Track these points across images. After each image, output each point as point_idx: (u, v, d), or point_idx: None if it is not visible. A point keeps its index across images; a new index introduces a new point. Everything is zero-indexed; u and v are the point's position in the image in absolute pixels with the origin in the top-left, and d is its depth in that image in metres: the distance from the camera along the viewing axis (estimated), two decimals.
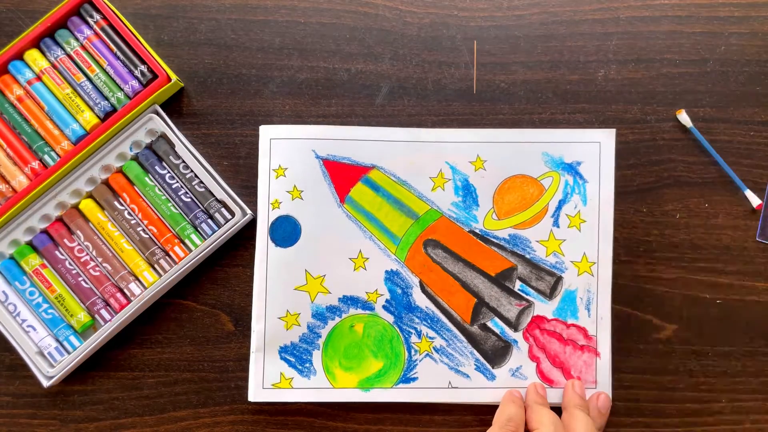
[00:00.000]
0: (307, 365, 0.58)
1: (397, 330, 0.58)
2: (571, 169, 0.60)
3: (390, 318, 0.58)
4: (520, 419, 0.55)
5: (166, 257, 0.58)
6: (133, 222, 0.58)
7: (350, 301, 0.58)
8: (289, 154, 0.59)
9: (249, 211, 0.58)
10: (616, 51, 0.61)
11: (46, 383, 0.56)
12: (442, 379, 0.58)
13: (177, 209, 0.58)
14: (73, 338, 0.57)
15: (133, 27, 0.59)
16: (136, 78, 0.58)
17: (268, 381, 0.57)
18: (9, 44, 0.58)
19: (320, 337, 0.58)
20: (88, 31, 0.59)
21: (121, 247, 0.58)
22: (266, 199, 0.59)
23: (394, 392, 0.57)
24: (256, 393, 0.57)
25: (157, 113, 0.59)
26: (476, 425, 0.58)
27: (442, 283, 0.58)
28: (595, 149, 0.60)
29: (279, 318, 0.58)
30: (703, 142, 0.60)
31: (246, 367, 0.58)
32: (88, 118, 0.58)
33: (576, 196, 0.59)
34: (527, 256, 0.59)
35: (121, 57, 0.59)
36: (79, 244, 0.58)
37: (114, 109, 0.58)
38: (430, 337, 0.58)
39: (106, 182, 0.59)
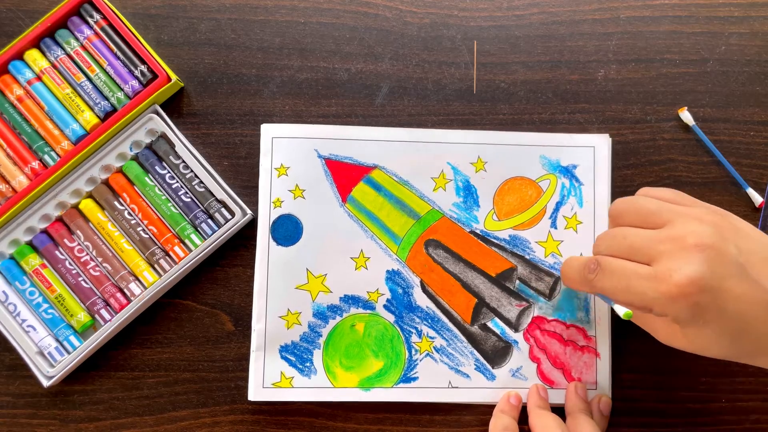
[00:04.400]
0: (308, 364, 0.57)
1: (398, 329, 0.58)
2: (567, 172, 0.60)
3: (391, 317, 0.58)
4: (515, 428, 0.55)
5: (166, 257, 0.58)
6: (133, 222, 0.58)
7: (351, 300, 0.58)
8: (291, 153, 0.59)
9: (249, 211, 0.58)
10: (616, 51, 0.61)
11: (46, 383, 0.56)
12: (442, 378, 0.58)
13: (177, 209, 0.58)
14: (73, 338, 0.57)
15: (133, 27, 0.59)
16: (136, 78, 0.58)
17: (268, 380, 0.57)
18: (9, 44, 0.58)
19: (321, 336, 0.58)
20: (88, 31, 0.59)
21: (121, 247, 0.58)
22: (268, 198, 0.59)
23: (394, 392, 0.57)
24: (257, 392, 0.57)
25: (157, 113, 0.59)
26: (476, 425, 0.58)
27: (442, 283, 0.58)
28: (590, 153, 0.60)
29: (280, 317, 0.58)
30: (705, 139, 0.60)
31: (246, 367, 0.58)
32: (88, 118, 0.58)
33: (572, 198, 0.60)
34: (527, 256, 0.59)
35: (121, 57, 0.59)
36: (79, 244, 0.58)
37: (114, 109, 0.58)
38: (431, 337, 0.58)
39: (106, 182, 0.59)
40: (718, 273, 0.43)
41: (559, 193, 0.60)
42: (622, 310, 0.47)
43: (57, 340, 0.57)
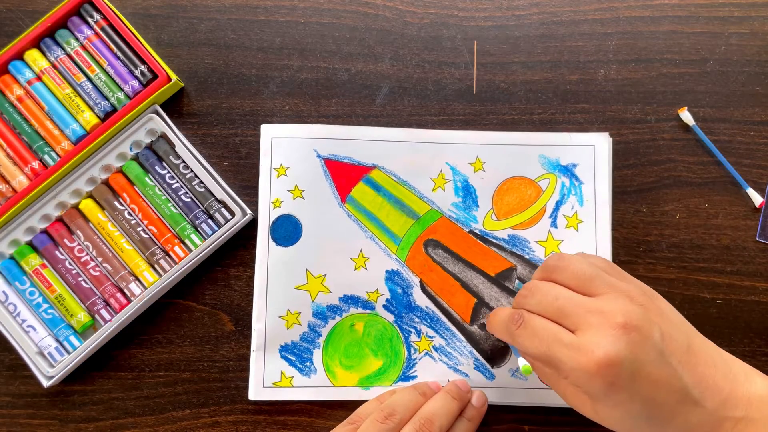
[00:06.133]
0: (308, 364, 0.58)
1: (397, 329, 0.58)
2: (567, 171, 0.60)
3: (390, 317, 0.58)
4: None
5: (166, 257, 0.58)
6: (133, 222, 0.58)
7: (351, 300, 0.58)
8: (291, 154, 0.59)
9: (249, 211, 0.58)
10: (616, 51, 0.61)
11: (46, 383, 0.56)
12: (441, 378, 0.58)
13: (177, 209, 0.58)
14: (73, 338, 0.57)
15: (133, 27, 0.59)
16: (136, 78, 0.58)
17: (268, 380, 0.57)
18: (9, 44, 0.58)
19: (321, 336, 0.58)
20: (88, 31, 0.59)
21: (121, 247, 0.58)
22: (267, 198, 0.59)
23: (393, 390, 0.57)
24: (257, 392, 0.57)
25: (157, 113, 0.59)
26: None
27: (442, 283, 0.58)
28: (590, 152, 0.60)
29: (279, 317, 0.58)
30: (705, 139, 0.60)
31: (246, 367, 0.58)
32: (88, 118, 0.58)
33: (572, 197, 0.59)
34: (526, 256, 0.59)
35: (121, 57, 0.59)
36: (79, 244, 0.58)
37: (114, 109, 0.58)
38: (430, 336, 0.58)
39: (106, 182, 0.59)
40: (640, 357, 0.43)
41: (559, 192, 0.60)
42: (522, 363, 0.48)
43: (57, 340, 0.57)
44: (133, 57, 0.59)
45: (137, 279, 0.58)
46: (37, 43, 0.59)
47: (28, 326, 0.57)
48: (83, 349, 0.56)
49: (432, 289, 0.58)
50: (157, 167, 0.58)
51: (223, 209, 0.58)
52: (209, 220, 0.58)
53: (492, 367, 0.58)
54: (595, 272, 0.47)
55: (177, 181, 0.59)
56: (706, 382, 0.44)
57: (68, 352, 0.57)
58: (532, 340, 0.46)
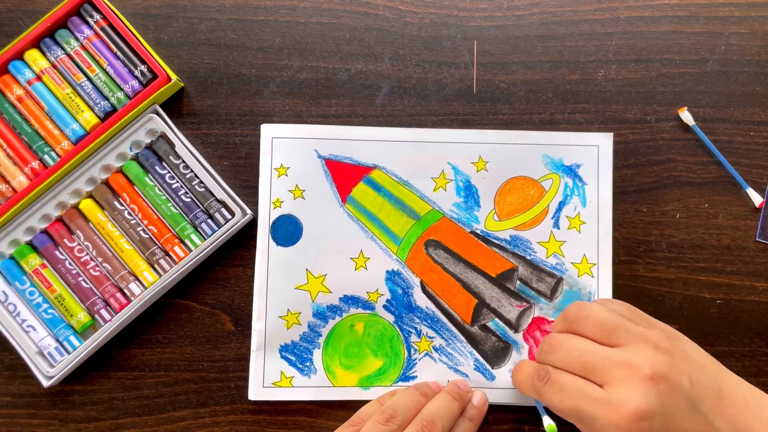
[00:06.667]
0: (308, 364, 0.58)
1: (397, 329, 0.58)
2: (571, 171, 0.60)
3: (390, 318, 0.58)
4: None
5: (166, 257, 0.58)
6: (133, 222, 0.58)
7: (351, 300, 0.58)
8: (291, 154, 0.59)
9: (249, 211, 0.58)
10: (616, 51, 0.61)
11: (46, 383, 0.56)
12: (441, 378, 0.58)
13: (177, 209, 0.58)
14: (73, 338, 0.57)
15: (133, 27, 0.59)
16: (136, 78, 0.58)
17: (268, 380, 0.57)
18: (9, 44, 0.58)
19: (321, 336, 0.58)
20: (88, 31, 0.59)
21: (121, 247, 0.58)
22: (268, 198, 0.59)
23: (393, 390, 0.57)
24: (257, 392, 0.57)
25: (157, 113, 0.59)
26: None
27: (443, 283, 0.58)
28: (594, 152, 0.60)
29: (279, 317, 0.58)
30: (705, 139, 0.60)
31: (246, 367, 0.58)
32: (88, 118, 0.58)
33: (575, 198, 0.59)
34: (528, 257, 0.59)
35: (121, 57, 0.59)
36: (79, 244, 0.58)
37: (114, 109, 0.58)
38: (430, 337, 0.58)
39: (106, 182, 0.59)
40: (671, 408, 0.43)
41: (562, 193, 0.60)
42: (548, 422, 0.49)
43: (57, 340, 0.57)
44: (133, 57, 0.59)
45: (137, 279, 0.58)
46: (37, 43, 0.59)
47: (28, 326, 0.57)
48: (83, 349, 0.56)
49: (432, 289, 0.58)
50: (157, 167, 0.58)
51: (223, 209, 0.58)
52: (209, 220, 0.58)
53: (492, 368, 0.58)
54: (618, 321, 0.47)
55: (177, 181, 0.59)
56: (740, 425, 0.44)
57: (68, 352, 0.57)
58: (560, 396, 0.46)
